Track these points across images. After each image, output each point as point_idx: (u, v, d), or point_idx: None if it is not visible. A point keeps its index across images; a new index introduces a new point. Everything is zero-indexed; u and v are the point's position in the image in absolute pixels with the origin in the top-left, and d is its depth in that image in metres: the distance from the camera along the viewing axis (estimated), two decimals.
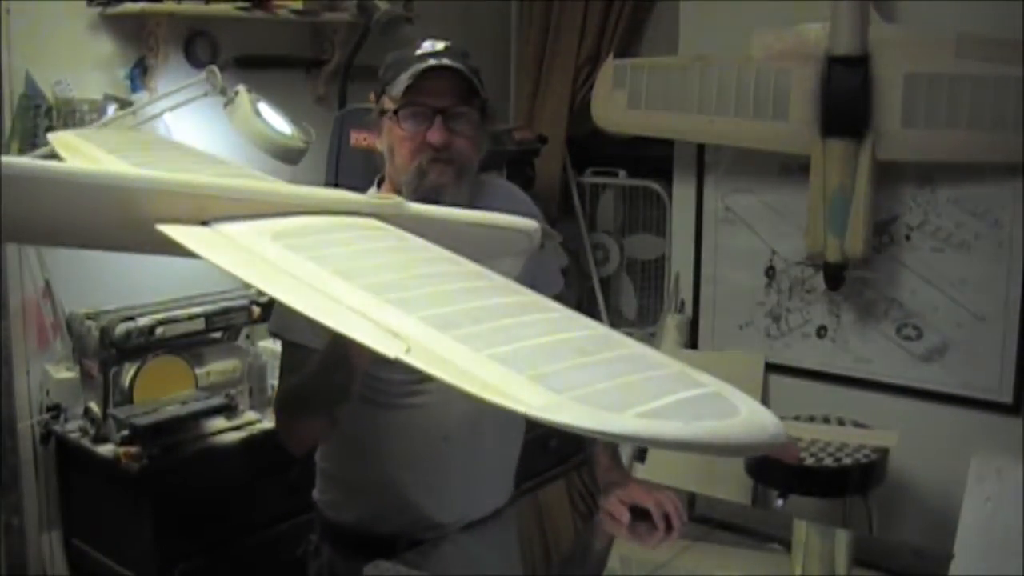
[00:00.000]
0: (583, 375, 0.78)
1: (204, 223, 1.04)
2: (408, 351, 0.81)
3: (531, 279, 1.65)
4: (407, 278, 0.97)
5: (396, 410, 1.65)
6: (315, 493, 1.80)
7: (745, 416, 0.74)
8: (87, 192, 0.98)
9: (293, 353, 1.63)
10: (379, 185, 1.71)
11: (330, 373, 1.47)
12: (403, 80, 1.55)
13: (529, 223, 1.26)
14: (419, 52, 1.59)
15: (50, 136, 1.58)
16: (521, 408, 0.72)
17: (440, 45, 1.60)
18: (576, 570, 1.83)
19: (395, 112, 1.58)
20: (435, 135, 1.56)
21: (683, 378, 0.80)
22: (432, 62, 1.55)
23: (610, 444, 1.81)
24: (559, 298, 1.72)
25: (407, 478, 1.68)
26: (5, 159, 0.93)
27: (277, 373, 2.66)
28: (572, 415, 0.72)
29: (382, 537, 1.68)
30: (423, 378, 1.40)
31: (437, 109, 1.56)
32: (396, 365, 0.82)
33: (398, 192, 1.59)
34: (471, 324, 0.85)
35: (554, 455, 2.71)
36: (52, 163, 1.00)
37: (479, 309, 0.90)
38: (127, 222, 1.01)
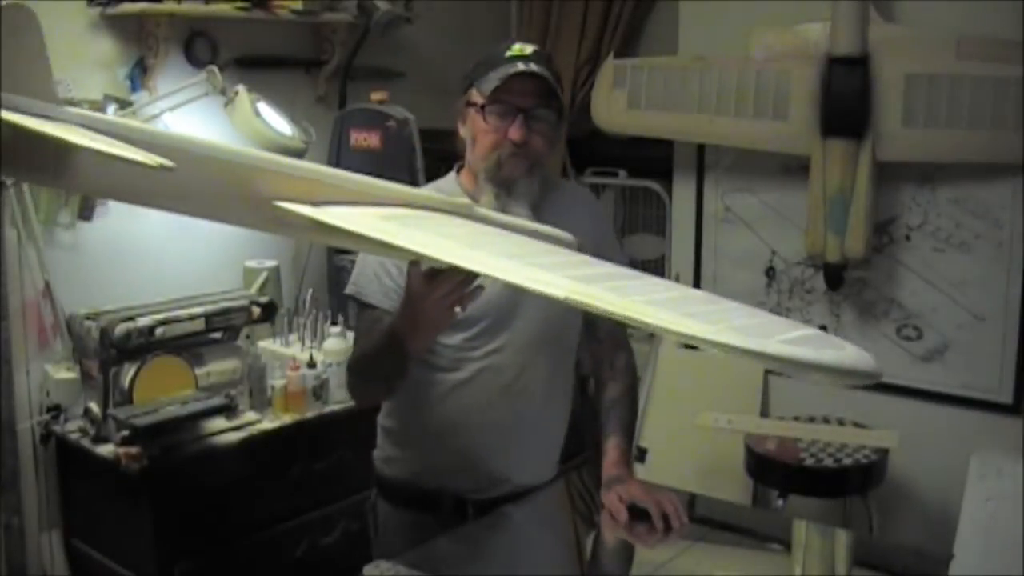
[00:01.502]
0: (719, 316, 0.92)
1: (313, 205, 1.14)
2: (573, 292, 0.93)
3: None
4: (523, 252, 1.09)
5: (446, 372, 1.78)
6: (375, 452, 1.93)
7: (852, 350, 0.90)
8: (214, 165, 1.08)
9: (364, 313, 1.79)
10: (459, 171, 1.84)
11: (388, 355, 1.63)
12: (493, 79, 1.68)
13: (568, 237, 1.41)
14: (510, 54, 1.72)
15: None
16: (691, 332, 0.87)
17: (529, 49, 1.73)
18: (606, 562, 1.84)
19: (482, 107, 1.70)
20: (516, 132, 1.69)
21: (789, 323, 0.96)
22: (521, 67, 1.68)
23: (623, 440, 1.86)
24: None
25: (452, 437, 1.80)
26: (162, 130, 1.00)
27: (277, 373, 2.70)
28: (734, 338, 0.86)
29: (429, 492, 1.82)
30: (475, 345, 1.69)
31: (520, 109, 1.69)
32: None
33: (475, 178, 1.76)
34: (604, 282, 0.99)
35: None
36: (191, 136, 1.09)
37: (600, 274, 1.04)
38: (244, 197, 1.11)
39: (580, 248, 1.55)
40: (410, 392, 1.78)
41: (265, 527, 2.56)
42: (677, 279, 3.48)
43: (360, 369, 1.76)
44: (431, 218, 1.22)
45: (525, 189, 1.72)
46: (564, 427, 1.94)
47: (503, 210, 1.65)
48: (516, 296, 1.73)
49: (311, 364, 2.72)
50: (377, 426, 1.93)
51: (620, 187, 3.72)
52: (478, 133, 1.73)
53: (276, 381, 2.68)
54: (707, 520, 1.89)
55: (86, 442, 2.47)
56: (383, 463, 1.91)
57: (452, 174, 1.85)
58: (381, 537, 1.89)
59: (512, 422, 1.80)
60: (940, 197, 2.91)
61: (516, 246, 1.15)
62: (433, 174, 2.67)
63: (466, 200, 1.31)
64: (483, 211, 1.36)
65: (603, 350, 1.94)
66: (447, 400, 1.79)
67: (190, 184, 1.06)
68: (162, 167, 0.91)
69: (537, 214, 1.70)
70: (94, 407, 2.45)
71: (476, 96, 1.72)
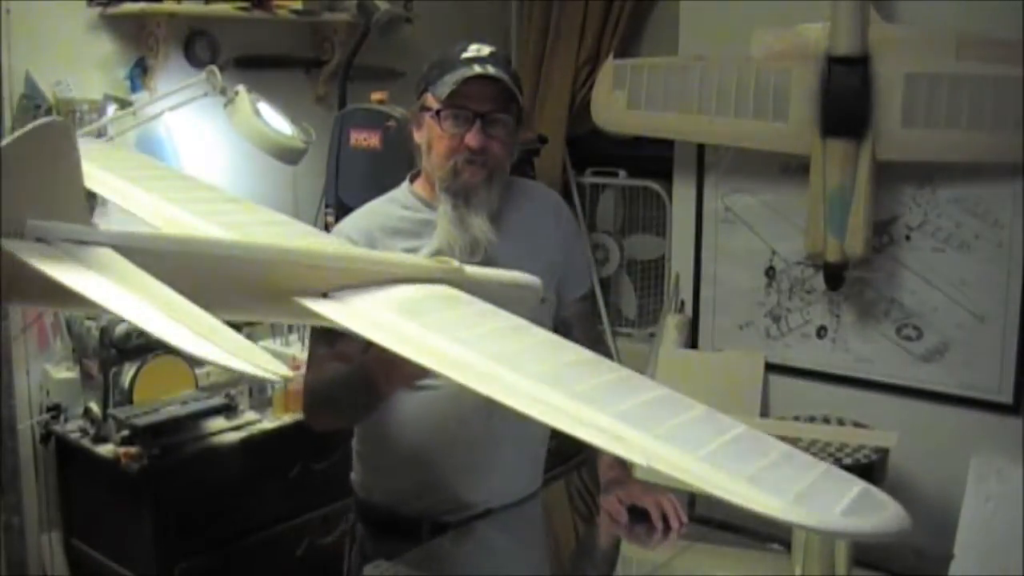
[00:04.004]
0: (775, 474, 0.93)
1: (324, 294, 1.13)
2: (648, 460, 0.91)
3: (561, 273, 1.80)
4: (559, 366, 1.08)
5: (416, 389, 1.67)
6: (352, 475, 1.86)
7: (891, 509, 0.95)
8: (245, 266, 1.05)
9: (321, 333, 1.68)
10: (412, 180, 1.78)
11: (356, 394, 1.56)
12: (448, 83, 1.60)
13: (534, 280, 1.39)
14: (465, 56, 1.63)
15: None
16: (769, 512, 0.87)
17: (486, 50, 1.65)
18: (587, 570, 1.83)
19: (437, 112, 1.63)
20: (473, 138, 1.62)
21: (803, 460, 1.01)
22: (478, 69, 1.60)
23: None
24: (584, 298, 1.87)
25: (427, 459, 1.72)
26: (164, 234, 0.99)
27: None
28: (811, 519, 0.88)
29: (407, 518, 1.74)
30: None
31: (477, 114, 1.62)
32: None
33: (432, 187, 1.69)
34: (645, 413, 0.98)
35: (554, 455, 2.70)
36: (201, 236, 1.07)
37: (636, 403, 1.02)
38: (270, 294, 1.09)
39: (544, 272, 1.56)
40: (380, 413, 1.70)
41: (265, 527, 2.56)
42: (677, 279, 3.48)
43: (319, 399, 1.69)
44: (446, 305, 1.19)
45: (484, 198, 1.65)
46: (546, 436, 1.87)
47: (461, 221, 1.62)
48: None
49: None
50: (352, 451, 1.86)
51: (620, 187, 3.73)
52: (433, 139, 1.65)
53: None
54: (707, 520, 1.89)
55: (86, 442, 2.47)
56: (360, 488, 1.84)
57: (405, 184, 1.78)
58: (357, 559, 1.81)
59: (490, 436, 1.72)
60: (940, 197, 2.91)
61: (548, 362, 1.11)
62: None
63: (456, 265, 1.26)
64: (470, 271, 1.30)
65: None
66: (419, 418, 1.71)
67: (225, 291, 1.05)
68: (282, 378, 0.88)
69: (497, 222, 1.66)
70: (94, 407, 2.45)
71: (431, 101, 1.65)
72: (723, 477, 0.90)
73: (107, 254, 0.88)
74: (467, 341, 1.07)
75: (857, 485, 0.97)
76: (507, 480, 1.79)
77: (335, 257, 1.16)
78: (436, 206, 1.67)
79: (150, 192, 1.42)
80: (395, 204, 1.75)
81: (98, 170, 1.45)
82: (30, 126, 0.84)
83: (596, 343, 1.91)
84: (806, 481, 0.94)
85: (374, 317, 1.10)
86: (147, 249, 0.93)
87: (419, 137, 1.70)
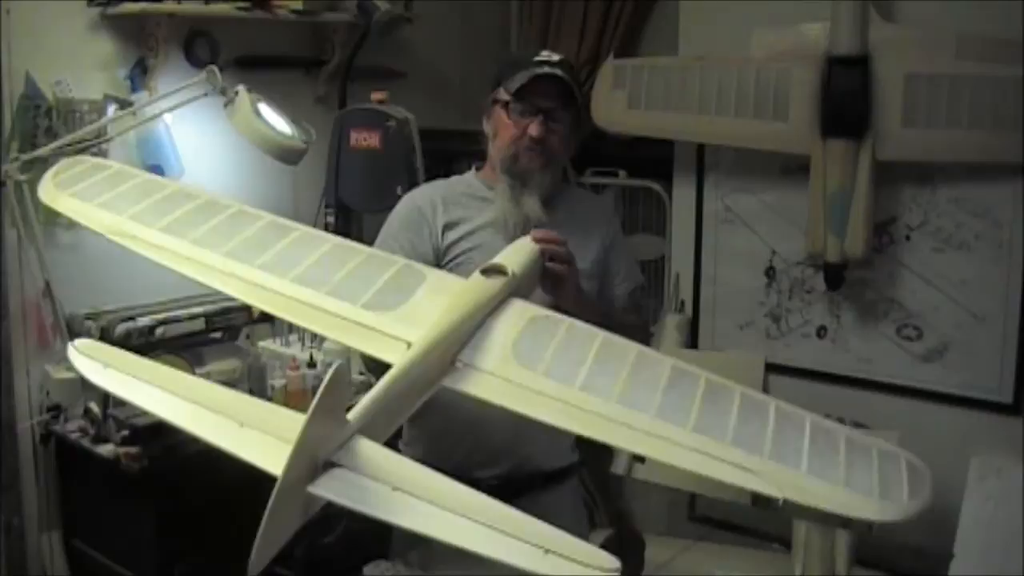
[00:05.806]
0: (856, 471, 1.07)
1: (453, 361, 1.27)
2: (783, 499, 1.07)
3: (603, 269, 1.97)
4: (661, 391, 1.24)
5: None
6: (400, 440, 1.99)
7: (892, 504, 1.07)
8: (412, 384, 1.21)
9: None
10: (478, 169, 1.99)
11: None
12: (519, 79, 1.82)
13: (527, 240, 1.59)
14: (537, 59, 1.87)
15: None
16: (869, 517, 1.05)
17: (555, 57, 1.88)
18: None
19: (506, 104, 1.85)
20: (535, 129, 1.82)
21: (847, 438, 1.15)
22: (547, 69, 1.83)
23: (602, 308, 1.89)
24: (631, 293, 2.06)
25: (464, 414, 1.79)
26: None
27: (277, 373, 2.69)
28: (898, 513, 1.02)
29: (442, 471, 1.78)
30: None
31: (541, 109, 1.83)
32: None
33: (493, 170, 1.90)
34: (746, 429, 1.12)
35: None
36: (387, 378, 1.18)
37: (734, 417, 1.15)
38: (424, 388, 1.25)
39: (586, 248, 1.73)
40: None
41: None
42: (677, 279, 3.48)
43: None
44: (546, 339, 1.32)
45: (538, 182, 1.84)
46: None
47: (516, 199, 1.81)
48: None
49: (311, 364, 2.71)
50: None
51: (620, 187, 3.72)
52: (500, 128, 1.86)
53: (276, 381, 2.68)
54: (707, 520, 1.90)
55: (86, 442, 2.47)
56: (405, 445, 1.94)
57: (471, 172, 1.99)
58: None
59: None
60: (940, 197, 2.91)
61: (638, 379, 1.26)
62: (433, 174, 2.67)
63: (509, 273, 1.42)
64: (519, 271, 1.47)
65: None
66: None
67: (408, 404, 1.22)
68: (614, 570, 0.95)
69: (550, 210, 1.84)
70: (94, 407, 2.45)
71: (502, 94, 1.85)
72: (829, 490, 1.04)
73: (366, 449, 1.11)
74: (592, 387, 1.20)
75: (902, 459, 1.08)
76: (541, 443, 1.86)
77: (455, 325, 1.30)
78: (494, 187, 1.87)
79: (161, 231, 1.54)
80: (461, 183, 1.98)
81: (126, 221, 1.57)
82: (328, 380, 1.01)
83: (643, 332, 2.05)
84: (875, 467, 1.06)
85: (515, 381, 1.24)
86: (372, 420, 1.13)
87: (488, 126, 1.91)
